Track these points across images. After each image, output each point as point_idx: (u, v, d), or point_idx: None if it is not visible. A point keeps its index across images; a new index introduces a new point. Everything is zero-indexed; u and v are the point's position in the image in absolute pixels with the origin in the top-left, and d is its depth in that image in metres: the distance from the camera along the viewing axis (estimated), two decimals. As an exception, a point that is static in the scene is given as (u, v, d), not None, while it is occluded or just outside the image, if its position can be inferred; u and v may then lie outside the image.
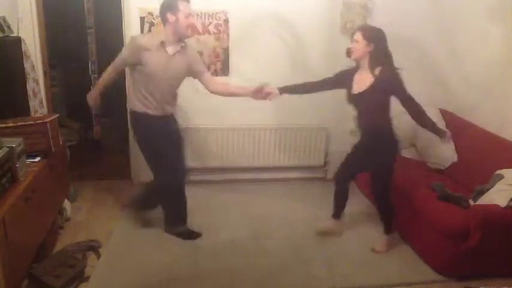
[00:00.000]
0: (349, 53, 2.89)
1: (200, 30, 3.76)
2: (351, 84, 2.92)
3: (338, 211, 3.29)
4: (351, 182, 3.27)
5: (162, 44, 2.84)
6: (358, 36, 2.81)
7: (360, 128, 3.04)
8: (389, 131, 2.95)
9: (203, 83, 3.09)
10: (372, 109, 2.88)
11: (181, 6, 2.79)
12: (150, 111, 2.94)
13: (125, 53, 2.97)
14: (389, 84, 2.78)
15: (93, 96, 3.10)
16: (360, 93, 2.86)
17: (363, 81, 2.84)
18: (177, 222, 3.22)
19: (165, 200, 3.19)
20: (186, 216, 3.24)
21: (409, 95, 2.81)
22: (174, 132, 3.10)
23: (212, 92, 3.10)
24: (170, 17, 2.81)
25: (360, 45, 2.81)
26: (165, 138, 3.00)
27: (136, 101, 2.95)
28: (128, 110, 3.14)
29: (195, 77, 3.07)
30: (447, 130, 3.03)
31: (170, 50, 2.87)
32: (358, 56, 2.85)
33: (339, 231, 3.31)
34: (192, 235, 3.20)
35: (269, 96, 3.04)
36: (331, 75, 3.07)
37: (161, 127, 2.98)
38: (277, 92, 3.06)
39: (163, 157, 3.03)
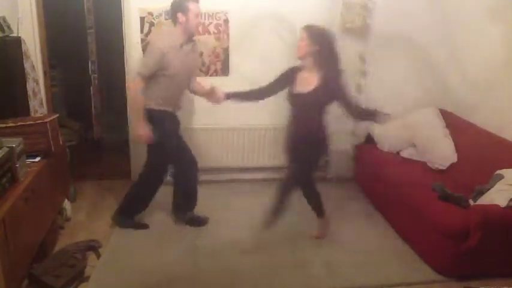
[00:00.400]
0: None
1: (200, 31, 3.76)
2: (294, 82, 2.87)
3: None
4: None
5: (181, 45, 2.95)
6: (303, 34, 2.77)
7: (292, 128, 2.94)
8: (321, 134, 2.88)
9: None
10: (309, 111, 2.83)
11: (192, 6, 2.91)
12: (170, 109, 3.07)
13: (150, 64, 2.92)
14: (332, 89, 2.74)
15: (145, 132, 2.97)
16: (300, 93, 2.81)
17: (306, 81, 2.80)
18: (188, 208, 3.36)
19: (185, 186, 3.32)
20: (195, 203, 3.38)
21: (349, 100, 2.79)
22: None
23: (191, 91, 3.25)
24: (181, 17, 2.91)
25: (303, 43, 2.76)
26: (179, 133, 3.19)
27: (157, 100, 2.99)
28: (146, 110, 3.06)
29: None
30: (387, 113, 2.84)
31: (185, 48, 2.99)
32: (302, 55, 2.80)
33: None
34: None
35: (214, 99, 3.04)
36: (277, 76, 2.99)
37: (177, 123, 3.17)
38: (222, 96, 3.03)
39: (183, 149, 3.21)
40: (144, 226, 3.31)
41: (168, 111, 3.06)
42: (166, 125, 3.07)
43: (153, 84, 2.97)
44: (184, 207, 3.38)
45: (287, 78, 2.92)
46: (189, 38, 3.01)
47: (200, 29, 3.76)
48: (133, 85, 3.00)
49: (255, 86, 3.08)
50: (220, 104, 3.11)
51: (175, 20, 2.96)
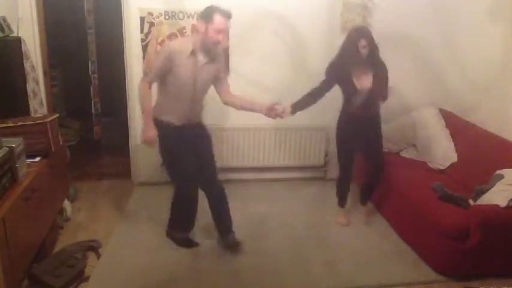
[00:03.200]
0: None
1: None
2: (350, 78, 3.11)
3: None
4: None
5: (193, 52, 2.69)
6: (362, 36, 3.01)
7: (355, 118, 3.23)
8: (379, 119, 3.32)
9: (218, 91, 2.96)
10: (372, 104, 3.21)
11: (216, 19, 2.61)
12: (175, 121, 2.83)
13: (157, 65, 2.77)
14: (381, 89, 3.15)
15: (150, 135, 2.76)
16: (364, 88, 3.10)
17: (368, 77, 3.10)
18: (182, 229, 3.13)
19: (179, 205, 3.08)
20: (192, 226, 3.16)
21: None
22: (196, 142, 2.95)
23: (225, 103, 2.99)
24: (201, 26, 2.67)
25: (363, 44, 3.00)
26: (184, 147, 2.87)
27: (164, 110, 2.83)
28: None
29: (213, 83, 2.92)
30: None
31: (201, 58, 2.74)
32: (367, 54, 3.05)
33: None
34: (191, 244, 3.11)
35: (281, 114, 2.97)
36: (327, 73, 3.17)
37: (182, 136, 2.85)
38: (289, 111, 3.05)
39: (181, 165, 2.89)
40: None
41: (171, 124, 2.82)
42: (164, 137, 2.83)
43: (162, 93, 2.83)
44: (176, 225, 3.15)
45: (337, 75, 3.15)
46: (207, 49, 2.71)
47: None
48: (139, 89, 2.82)
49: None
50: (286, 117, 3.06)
51: (195, 27, 2.86)
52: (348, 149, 3.31)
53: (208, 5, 2.68)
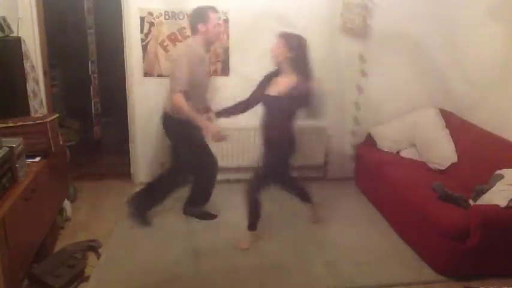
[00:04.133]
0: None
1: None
2: (269, 84, 3.01)
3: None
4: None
5: (206, 50, 3.10)
6: (280, 41, 2.90)
7: (262, 129, 3.07)
8: (288, 136, 2.98)
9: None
10: (277, 113, 2.93)
11: (212, 15, 2.98)
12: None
13: (183, 77, 2.94)
14: (299, 96, 2.83)
15: (217, 129, 3.04)
16: (270, 95, 2.95)
17: (280, 84, 2.91)
18: (200, 203, 3.46)
19: (202, 184, 3.42)
20: (208, 200, 3.50)
21: (315, 109, 2.93)
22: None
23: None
24: (201, 27, 2.99)
25: (280, 50, 2.88)
26: (201, 134, 3.16)
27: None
28: (163, 115, 3.20)
29: None
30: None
31: (206, 56, 3.14)
32: (279, 61, 2.92)
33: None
34: (210, 216, 3.47)
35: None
36: (257, 84, 3.12)
37: (194, 128, 3.09)
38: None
39: (205, 149, 3.28)
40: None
41: (183, 118, 3.01)
42: (184, 132, 3.11)
43: (171, 92, 3.07)
44: (196, 203, 3.47)
45: (265, 85, 3.05)
46: (208, 47, 3.14)
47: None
48: (177, 102, 2.96)
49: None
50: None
51: (195, 30, 3.03)
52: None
53: (194, 7, 3.04)
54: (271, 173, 3.09)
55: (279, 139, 2.95)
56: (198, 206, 3.49)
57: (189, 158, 3.26)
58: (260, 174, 3.11)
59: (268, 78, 3.06)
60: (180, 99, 2.94)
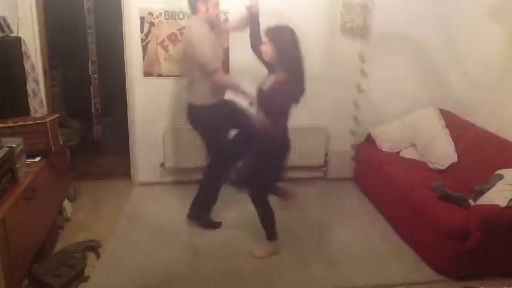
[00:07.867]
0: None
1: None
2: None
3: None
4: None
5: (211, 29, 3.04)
6: (266, 38, 2.76)
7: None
8: (279, 136, 2.84)
9: None
10: (264, 110, 2.78)
11: None
12: (211, 100, 3.09)
13: (208, 53, 2.95)
14: (289, 92, 2.72)
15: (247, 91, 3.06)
16: (259, 91, 2.83)
17: (267, 81, 2.80)
18: (205, 206, 3.34)
19: (211, 185, 3.30)
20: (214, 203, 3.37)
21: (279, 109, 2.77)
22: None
23: None
24: (201, 6, 2.93)
25: (268, 47, 2.73)
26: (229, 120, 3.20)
27: (202, 95, 3.05)
28: (188, 107, 3.17)
29: None
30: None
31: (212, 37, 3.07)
32: (269, 58, 2.77)
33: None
34: (215, 225, 3.32)
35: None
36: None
37: (219, 113, 3.13)
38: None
39: (224, 140, 3.21)
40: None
41: (206, 104, 3.04)
42: (208, 118, 3.07)
43: (192, 82, 3.06)
44: (202, 206, 3.35)
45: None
46: (211, 24, 3.05)
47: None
48: (220, 80, 3.01)
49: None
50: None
51: (194, 10, 2.98)
52: None
53: None
54: (262, 173, 2.92)
55: (267, 138, 2.78)
56: (203, 209, 3.35)
57: (220, 147, 3.18)
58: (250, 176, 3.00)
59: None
60: (222, 77, 2.96)
